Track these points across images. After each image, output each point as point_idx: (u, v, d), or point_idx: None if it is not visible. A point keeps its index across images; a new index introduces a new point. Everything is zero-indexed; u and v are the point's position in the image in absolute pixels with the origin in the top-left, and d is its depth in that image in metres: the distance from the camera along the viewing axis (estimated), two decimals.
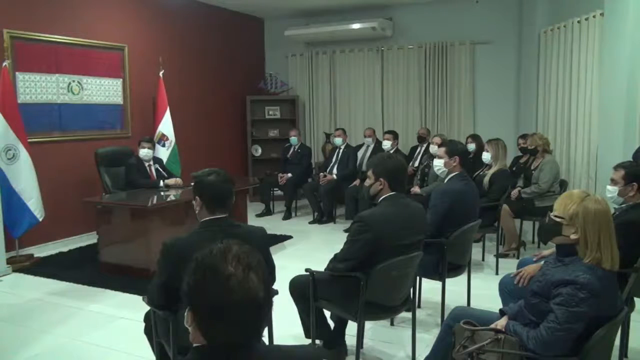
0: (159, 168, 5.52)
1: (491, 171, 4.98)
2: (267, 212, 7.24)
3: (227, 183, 2.36)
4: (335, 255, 2.79)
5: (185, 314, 1.18)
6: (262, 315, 1.16)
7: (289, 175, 7.10)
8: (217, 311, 1.11)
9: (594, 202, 2.01)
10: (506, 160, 5.17)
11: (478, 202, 3.79)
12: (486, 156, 5.09)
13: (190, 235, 2.30)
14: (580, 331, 1.89)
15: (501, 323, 2.15)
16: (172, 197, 4.91)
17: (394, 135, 6.73)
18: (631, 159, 3.90)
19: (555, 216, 2.08)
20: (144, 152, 5.38)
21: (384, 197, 2.79)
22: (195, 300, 1.14)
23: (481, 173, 5.20)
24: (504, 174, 4.99)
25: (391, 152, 6.27)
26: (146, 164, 5.42)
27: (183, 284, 1.17)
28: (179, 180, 5.44)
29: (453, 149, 3.73)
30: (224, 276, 1.12)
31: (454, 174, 3.69)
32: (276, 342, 2.75)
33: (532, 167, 5.21)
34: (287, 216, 7.05)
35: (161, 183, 5.31)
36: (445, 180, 3.75)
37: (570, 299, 1.88)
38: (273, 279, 2.57)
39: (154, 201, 4.71)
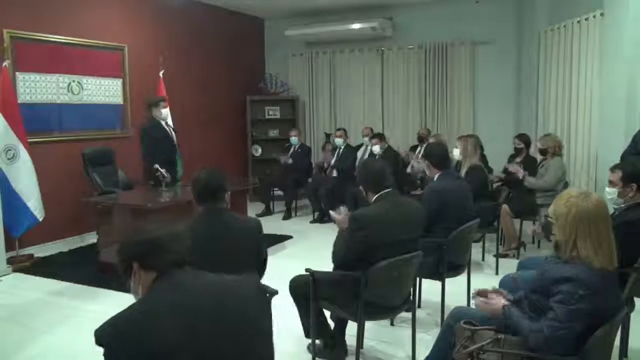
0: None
1: (463, 170, 4.73)
2: (267, 212, 7.23)
3: (215, 176, 2.55)
4: (333, 252, 2.82)
5: (132, 281, 1.53)
6: (188, 244, 1.54)
7: (290, 160, 7.17)
8: (155, 244, 1.50)
9: (584, 200, 2.00)
10: (476, 158, 4.85)
11: (470, 201, 3.73)
12: (455, 152, 4.88)
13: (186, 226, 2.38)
14: (581, 329, 1.88)
15: (499, 303, 2.15)
16: (172, 197, 4.90)
17: (381, 138, 6.71)
18: (628, 160, 3.89)
19: (547, 216, 2.10)
20: (166, 112, 5.17)
21: (376, 196, 2.84)
22: (137, 249, 1.51)
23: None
24: (476, 169, 4.74)
25: (381, 155, 6.37)
26: (163, 123, 5.17)
27: (122, 263, 1.54)
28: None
29: (427, 152, 3.81)
30: (145, 229, 1.56)
31: (438, 173, 3.69)
32: (275, 341, 2.75)
33: (540, 167, 5.19)
34: (287, 216, 7.05)
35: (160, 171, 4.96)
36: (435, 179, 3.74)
37: (570, 296, 1.88)
38: (263, 270, 2.65)
39: (154, 201, 4.71)
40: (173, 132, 5.39)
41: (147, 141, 5.13)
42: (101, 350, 1.37)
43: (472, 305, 2.38)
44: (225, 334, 1.44)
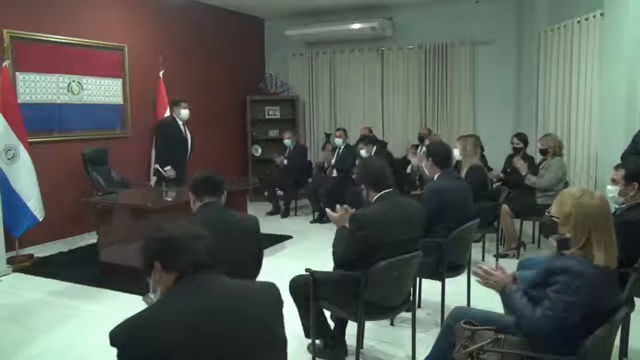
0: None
1: (463, 171, 4.74)
2: (276, 211, 7.19)
3: (215, 174, 2.62)
4: (334, 252, 2.82)
5: (152, 280, 1.53)
6: (206, 244, 1.54)
7: (285, 161, 7.18)
8: (176, 244, 1.51)
9: (589, 198, 2.01)
10: (477, 158, 4.90)
11: (470, 201, 3.72)
12: (455, 152, 4.83)
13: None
14: (576, 321, 1.88)
15: (503, 279, 2.15)
16: (172, 197, 4.91)
17: (367, 140, 6.70)
18: (630, 160, 3.89)
19: (552, 216, 2.09)
20: (185, 113, 5.29)
21: (377, 196, 2.85)
22: (158, 247, 1.52)
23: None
24: (477, 169, 4.75)
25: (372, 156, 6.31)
26: (181, 123, 5.28)
27: (145, 260, 1.53)
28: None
29: (429, 151, 3.80)
30: (165, 227, 1.57)
31: (439, 172, 3.69)
32: None
33: (541, 167, 5.18)
34: (285, 215, 7.05)
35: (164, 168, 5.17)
36: (435, 179, 3.75)
37: (567, 287, 1.88)
38: (259, 268, 2.68)
39: (155, 201, 4.71)
40: (188, 134, 5.46)
41: (160, 137, 5.26)
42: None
43: (472, 305, 2.38)
44: (243, 338, 1.45)
